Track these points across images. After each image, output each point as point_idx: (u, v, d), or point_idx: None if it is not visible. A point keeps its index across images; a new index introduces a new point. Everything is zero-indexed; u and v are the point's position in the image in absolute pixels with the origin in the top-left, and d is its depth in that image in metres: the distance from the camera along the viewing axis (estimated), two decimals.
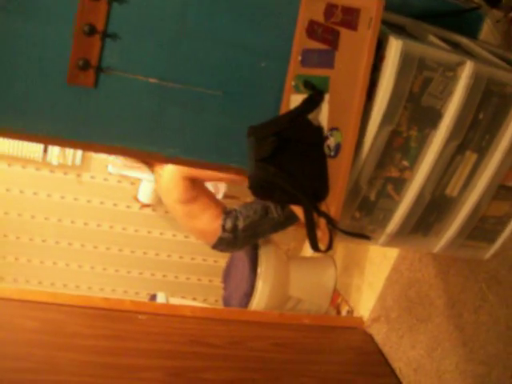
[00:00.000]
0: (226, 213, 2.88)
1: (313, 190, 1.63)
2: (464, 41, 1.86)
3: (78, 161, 3.37)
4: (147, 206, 3.61)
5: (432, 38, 1.70)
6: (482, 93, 1.62)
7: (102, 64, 1.83)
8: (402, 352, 2.53)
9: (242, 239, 2.87)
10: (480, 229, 1.94)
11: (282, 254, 3.26)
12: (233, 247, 2.94)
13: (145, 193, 3.47)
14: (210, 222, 2.86)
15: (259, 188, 1.67)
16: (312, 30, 1.80)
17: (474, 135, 1.71)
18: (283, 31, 1.90)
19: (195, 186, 2.80)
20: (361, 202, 1.73)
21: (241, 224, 2.82)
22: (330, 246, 1.63)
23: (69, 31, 1.77)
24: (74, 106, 1.90)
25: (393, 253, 2.79)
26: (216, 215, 2.87)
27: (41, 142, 2.00)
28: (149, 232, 3.75)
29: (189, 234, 3.23)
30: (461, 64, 1.58)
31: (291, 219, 2.84)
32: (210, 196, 2.99)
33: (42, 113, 1.90)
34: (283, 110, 1.92)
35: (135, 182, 3.54)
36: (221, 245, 2.88)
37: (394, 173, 1.71)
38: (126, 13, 1.78)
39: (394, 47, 1.49)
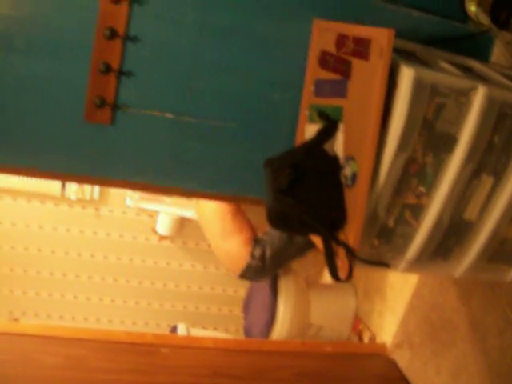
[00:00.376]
0: (256, 241, 2.86)
1: (331, 220, 1.63)
2: (476, 65, 1.87)
3: (96, 195, 3.41)
4: (166, 237, 3.62)
5: (443, 64, 1.72)
6: (496, 116, 1.63)
7: (118, 101, 1.86)
8: (426, 378, 2.50)
9: (269, 267, 2.84)
10: (501, 251, 1.93)
11: (302, 281, 3.25)
12: (260, 276, 2.91)
13: (163, 225, 3.49)
14: (242, 246, 2.83)
15: (277, 220, 1.68)
16: (324, 60, 1.82)
17: (489, 159, 1.70)
18: (296, 62, 1.92)
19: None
20: (379, 230, 1.73)
21: (268, 251, 2.79)
22: (349, 275, 1.63)
23: (85, 70, 1.81)
24: (92, 142, 1.93)
25: (413, 278, 2.77)
26: (249, 239, 2.85)
27: (59, 179, 2.03)
28: (168, 263, 3.76)
29: (217, 257, 3.20)
30: (473, 89, 1.59)
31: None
32: (246, 219, 2.98)
33: (60, 150, 1.93)
34: (298, 140, 1.93)
35: (153, 215, 3.56)
36: (248, 273, 2.85)
37: (412, 199, 1.71)
38: (140, 50, 1.82)
39: (406, 75, 1.50)
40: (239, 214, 2.91)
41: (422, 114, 1.56)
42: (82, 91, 1.84)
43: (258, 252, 2.79)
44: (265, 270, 2.84)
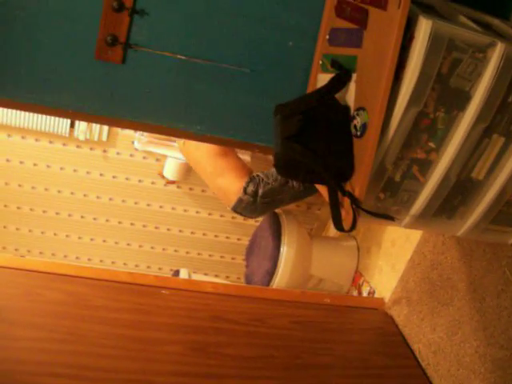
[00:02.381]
0: (251, 178, 2.96)
1: (338, 170, 1.63)
2: (495, 22, 1.83)
3: (104, 137, 3.40)
4: (172, 182, 3.63)
5: (462, 19, 1.68)
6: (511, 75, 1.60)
7: (131, 40, 1.84)
8: (422, 334, 2.54)
9: (260, 205, 2.95)
10: (505, 213, 1.93)
11: (305, 233, 3.27)
12: (251, 212, 3.02)
13: (170, 169, 3.49)
14: (234, 182, 2.96)
15: (285, 166, 1.68)
16: (341, 8, 1.79)
17: (502, 118, 1.69)
18: (312, 9, 1.89)
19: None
20: (385, 183, 1.73)
21: (261, 190, 2.91)
22: (353, 226, 1.63)
23: (98, 6, 1.79)
24: (102, 81, 1.92)
25: (416, 235, 2.78)
26: (241, 176, 2.98)
27: (68, 116, 2.03)
28: (173, 208, 3.78)
29: (212, 191, 3.32)
30: (491, 45, 1.56)
31: (309, 190, 2.95)
32: (238, 158, 3.12)
33: (70, 88, 1.92)
34: (310, 89, 1.92)
35: (161, 159, 3.56)
36: (239, 207, 2.97)
37: (420, 154, 1.70)
38: None
39: (424, 27, 1.47)
40: (230, 153, 3.05)
41: (437, 68, 1.54)
42: (94, 29, 1.82)
43: (250, 188, 2.91)
44: (256, 206, 2.95)
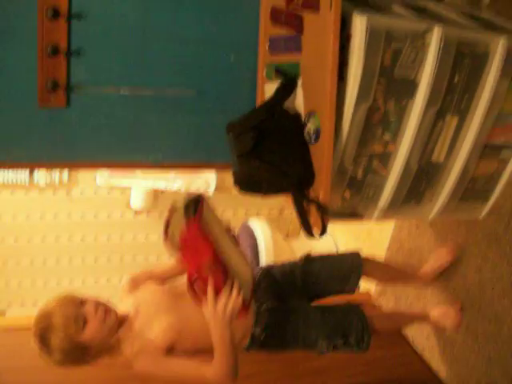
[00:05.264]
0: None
1: (298, 178, 1.62)
2: (429, 5, 1.85)
3: (65, 178, 3.35)
4: (141, 212, 3.60)
5: (396, 8, 1.69)
6: (453, 56, 1.61)
7: (71, 82, 1.82)
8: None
9: None
10: (471, 190, 1.94)
11: (280, 238, 3.27)
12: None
13: (137, 199, 3.46)
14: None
15: (245, 183, 1.67)
16: (275, 16, 1.78)
17: (451, 99, 1.70)
18: (248, 22, 1.88)
19: None
20: (349, 182, 1.73)
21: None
22: (323, 231, 1.63)
23: (33, 54, 1.76)
24: (50, 127, 1.89)
25: (390, 223, 2.79)
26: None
27: (24, 167, 2.00)
28: (146, 237, 3.74)
29: None
30: (428, 31, 1.57)
31: None
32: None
33: (20, 140, 1.89)
34: (259, 100, 1.91)
35: (125, 191, 3.52)
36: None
37: (378, 148, 1.71)
38: (87, 27, 1.77)
39: (359, 24, 1.48)
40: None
41: (379, 61, 1.54)
42: (33, 77, 1.79)
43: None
44: None
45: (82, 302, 1.66)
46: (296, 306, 1.98)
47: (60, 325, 1.59)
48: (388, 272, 2.30)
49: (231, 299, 1.53)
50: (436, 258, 2.31)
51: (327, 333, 1.91)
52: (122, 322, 1.73)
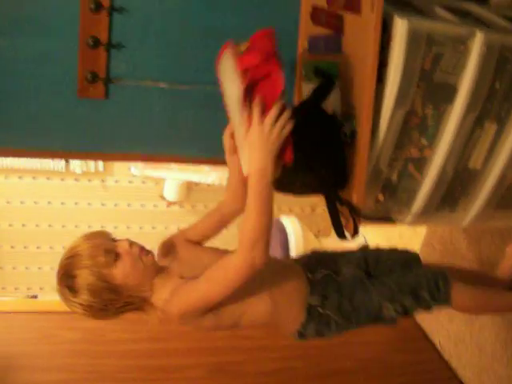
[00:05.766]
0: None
1: (333, 179, 1.61)
2: (474, 8, 1.81)
3: (100, 167, 3.40)
4: (174, 203, 3.63)
5: (439, 11, 1.66)
6: (496, 62, 1.58)
7: (111, 74, 1.84)
8: (440, 326, 2.52)
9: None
10: (508, 198, 1.91)
11: (312, 237, 3.26)
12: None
13: (170, 190, 3.49)
14: None
15: (279, 182, 1.66)
16: (316, 16, 1.77)
17: (491, 106, 1.67)
18: (288, 20, 1.88)
19: None
20: (383, 185, 1.71)
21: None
22: (355, 233, 1.62)
23: (74, 46, 1.78)
24: (88, 118, 1.92)
25: (422, 227, 2.76)
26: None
27: (60, 157, 2.03)
28: (178, 229, 3.76)
29: None
30: (471, 35, 1.54)
31: None
32: None
33: (58, 129, 1.92)
34: (296, 100, 1.90)
35: (159, 182, 3.55)
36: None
37: (414, 152, 1.69)
38: (128, 21, 1.79)
39: (400, 27, 1.46)
40: None
41: (419, 65, 1.52)
42: (73, 68, 1.81)
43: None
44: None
45: (114, 239, 1.48)
46: (350, 273, 1.76)
47: (88, 255, 1.39)
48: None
49: (283, 117, 1.31)
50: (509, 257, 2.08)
51: (390, 294, 1.66)
52: (159, 270, 1.51)
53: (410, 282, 1.70)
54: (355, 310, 1.64)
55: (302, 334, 1.62)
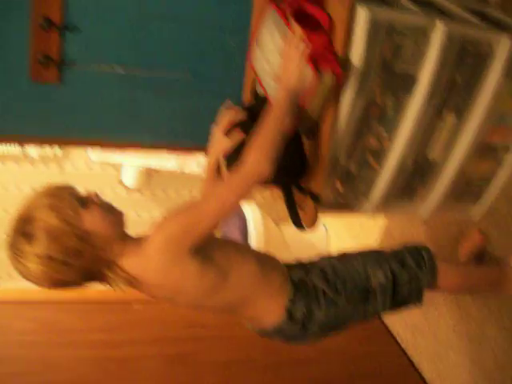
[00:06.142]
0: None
1: (292, 168, 1.60)
2: None
3: (58, 151, 3.31)
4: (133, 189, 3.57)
5: (403, 1, 1.65)
6: (456, 54, 1.58)
7: (66, 58, 1.78)
8: (399, 316, 2.53)
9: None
10: (467, 190, 1.92)
11: (271, 223, 3.25)
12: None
13: (129, 176, 3.42)
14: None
15: None
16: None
17: (451, 97, 1.66)
18: (243, 2, 1.83)
19: None
20: (341, 174, 1.70)
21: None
22: (313, 222, 1.61)
23: (26, 27, 1.72)
24: (42, 102, 1.86)
25: (382, 217, 2.77)
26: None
27: (13, 141, 1.96)
28: (138, 215, 3.71)
29: None
30: (432, 26, 1.53)
31: None
32: None
33: (12, 113, 1.86)
34: (246, 87, 1.87)
35: (119, 168, 3.49)
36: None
37: (373, 143, 1.67)
38: (83, 2, 1.72)
39: (361, 17, 1.44)
40: None
41: (380, 55, 1.50)
42: (25, 50, 1.75)
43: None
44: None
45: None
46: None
47: (51, 195, 1.24)
48: None
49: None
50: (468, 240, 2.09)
51: (376, 261, 1.63)
52: (133, 238, 1.36)
53: (393, 252, 1.69)
54: (340, 279, 1.57)
55: (290, 313, 1.50)
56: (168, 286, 1.34)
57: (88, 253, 1.24)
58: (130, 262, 1.29)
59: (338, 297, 1.55)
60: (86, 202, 1.28)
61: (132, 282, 1.30)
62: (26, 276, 1.25)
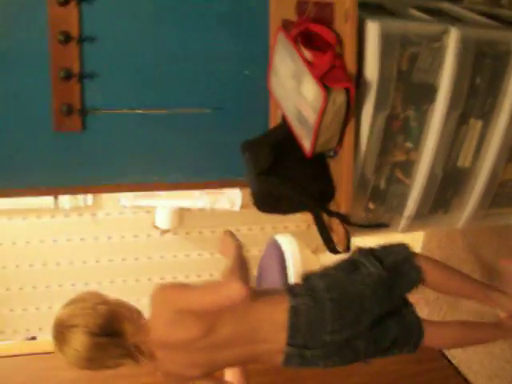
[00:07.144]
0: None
1: (319, 193, 1.58)
2: (445, 6, 1.79)
3: (89, 201, 3.35)
4: (167, 231, 3.58)
5: (412, 11, 1.64)
6: (473, 57, 1.55)
7: (86, 105, 1.80)
8: None
9: None
10: (502, 195, 1.87)
11: (309, 254, 3.22)
12: None
13: (162, 219, 3.44)
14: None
15: (264, 202, 1.62)
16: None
17: (474, 102, 1.63)
18: (259, 35, 1.84)
19: None
20: (371, 193, 1.67)
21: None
22: (347, 246, 1.58)
23: (46, 79, 1.75)
24: (67, 151, 1.88)
25: (420, 233, 2.72)
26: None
27: (42, 194, 1.98)
28: (174, 256, 3.72)
29: None
30: (445, 32, 1.51)
31: None
32: None
33: (37, 165, 1.88)
34: (272, 116, 1.87)
35: (151, 210, 3.51)
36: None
37: (400, 156, 1.65)
38: (98, 50, 1.76)
39: (372, 30, 1.43)
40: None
41: (396, 67, 1.49)
42: (47, 102, 1.78)
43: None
44: None
45: None
46: None
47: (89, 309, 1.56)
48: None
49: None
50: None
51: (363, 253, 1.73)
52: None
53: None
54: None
55: (295, 309, 1.54)
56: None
57: (124, 343, 1.54)
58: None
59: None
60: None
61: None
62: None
